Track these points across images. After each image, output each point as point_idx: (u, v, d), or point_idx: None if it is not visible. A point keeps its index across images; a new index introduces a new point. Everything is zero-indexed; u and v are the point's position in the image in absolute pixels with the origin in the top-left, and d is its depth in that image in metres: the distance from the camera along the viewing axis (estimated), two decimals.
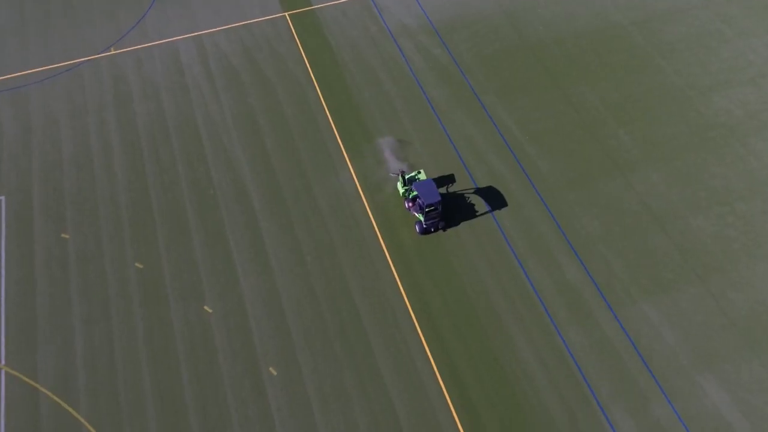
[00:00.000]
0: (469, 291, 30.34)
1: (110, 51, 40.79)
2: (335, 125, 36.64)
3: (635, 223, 32.49)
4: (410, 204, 32.61)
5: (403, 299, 30.14)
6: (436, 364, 28.17)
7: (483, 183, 34.08)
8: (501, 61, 39.79)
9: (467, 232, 32.32)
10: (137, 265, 31.34)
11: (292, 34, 41.61)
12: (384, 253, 31.62)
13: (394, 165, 34.19)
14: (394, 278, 30.77)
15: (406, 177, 33.03)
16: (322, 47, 40.75)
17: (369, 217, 32.91)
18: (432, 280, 30.72)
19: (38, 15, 43.08)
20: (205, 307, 29.98)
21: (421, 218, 31.92)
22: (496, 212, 32.96)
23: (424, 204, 30.97)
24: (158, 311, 29.86)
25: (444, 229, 32.42)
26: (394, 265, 31.18)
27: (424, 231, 32.23)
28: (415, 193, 32.48)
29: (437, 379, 27.77)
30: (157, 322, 29.53)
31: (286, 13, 42.89)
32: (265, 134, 36.38)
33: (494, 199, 33.44)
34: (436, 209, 31.62)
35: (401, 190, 33.20)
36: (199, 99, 38.09)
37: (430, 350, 28.58)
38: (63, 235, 32.38)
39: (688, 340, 28.61)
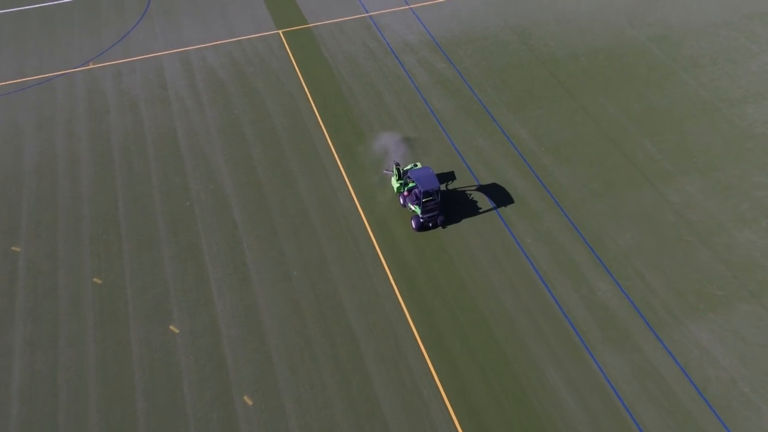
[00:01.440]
0: (482, 309, 25.75)
1: (88, 65, 37.79)
2: (329, 136, 33.03)
3: (673, 236, 28.26)
4: (406, 194, 29.01)
5: (406, 317, 25.51)
6: (446, 394, 23.21)
7: (496, 194, 30.10)
8: (510, 75, 36.67)
9: (481, 245, 28.04)
10: (95, 280, 26.89)
11: (285, 49, 38.75)
12: (383, 267, 27.22)
13: (392, 154, 30.77)
14: (395, 294, 26.25)
15: (402, 170, 29.42)
16: (317, 61, 37.76)
17: (366, 228, 28.72)
18: (440, 296, 26.20)
19: (15, 30, 40.47)
20: (171, 327, 25.31)
21: (418, 211, 28.08)
22: (512, 225, 28.80)
23: (421, 192, 27.30)
24: (115, 332, 25.17)
25: (443, 225, 28.54)
26: (394, 280, 26.71)
27: (421, 226, 28.35)
28: (412, 184, 28.82)
29: (448, 411, 22.76)
30: (111, 345, 24.78)
31: (280, 31, 40.23)
32: (251, 145, 32.72)
33: (509, 210, 29.35)
34: (434, 199, 27.88)
35: (396, 186, 29.54)
36: (181, 111, 34.69)
37: (438, 377, 23.71)
38: (13, 248, 28.09)
39: (748, 364, 23.78)
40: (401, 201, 29.32)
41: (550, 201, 29.78)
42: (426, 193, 27.77)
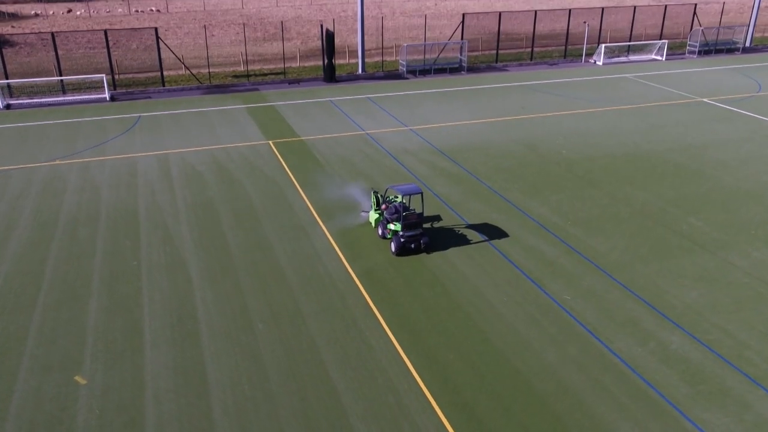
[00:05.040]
0: (515, 362, 18.54)
1: (54, 162, 34.14)
2: (316, 212, 28.05)
3: (751, 295, 21.96)
4: (384, 207, 24.42)
5: (410, 371, 18.20)
6: None
7: (519, 258, 24.25)
8: (522, 171, 32.90)
9: (507, 303, 21.53)
10: None
11: (274, 152, 35.52)
12: (378, 321, 20.44)
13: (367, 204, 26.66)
14: (394, 347, 19.16)
15: (380, 196, 25.38)
16: (308, 161, 34.26)
17: (356, 284, 22.37)
18: (456, 350, 19.11)
19: None
20: (77, 378, 17.84)
21: (398, 228, 22.97)
22: (544, 285, 22.54)
23: (401, 203, 23.30)
24: None
25: (428, 249, 23.50)
26: (393, 334, 19.77)
27: (402, 247, 23.09)
28: (393, 201, 24.68)
29: None
30: None
31: (270, 141, 37.44)
32: (223, 217, 27.57)
33: (538, 272, 23.29)
34: (413, 211, 23.40)
35: (374, 218, 25.07)
36: (148, 192, 30.14)
37: None
38: None
39: None
40: (380, 232, 24.62)
41: (588, 264, 23.88)
42: (406, 207, 23.54)
